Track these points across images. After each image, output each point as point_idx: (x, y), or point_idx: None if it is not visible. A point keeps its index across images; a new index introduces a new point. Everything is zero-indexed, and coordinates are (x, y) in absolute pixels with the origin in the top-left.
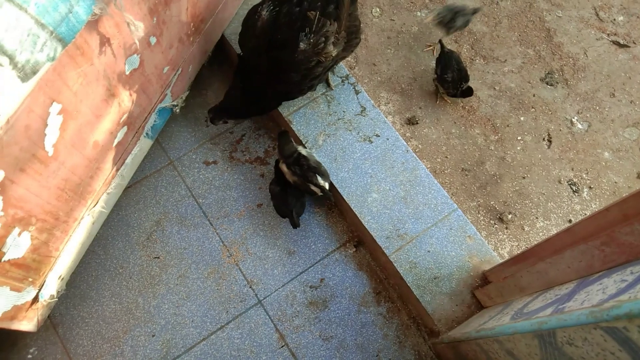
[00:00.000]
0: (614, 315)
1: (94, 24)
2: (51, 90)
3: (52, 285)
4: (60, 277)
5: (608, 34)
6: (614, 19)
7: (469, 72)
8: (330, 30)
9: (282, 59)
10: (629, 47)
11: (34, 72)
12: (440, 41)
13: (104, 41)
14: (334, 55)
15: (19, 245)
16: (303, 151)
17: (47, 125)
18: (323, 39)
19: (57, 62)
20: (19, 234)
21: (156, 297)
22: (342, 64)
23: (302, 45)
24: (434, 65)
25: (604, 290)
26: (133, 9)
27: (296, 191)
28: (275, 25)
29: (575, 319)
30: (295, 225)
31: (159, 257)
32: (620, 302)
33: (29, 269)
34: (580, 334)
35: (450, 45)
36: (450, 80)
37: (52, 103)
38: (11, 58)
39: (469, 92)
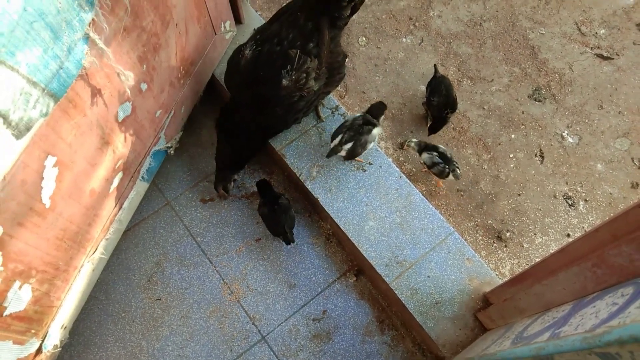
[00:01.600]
0: (606, 341)
1: (84, 76)
2: (45, 144)
3: (55, 335)
4: (63, 326)
5: (591, 48)
6: (596, 33)
7: (458, 101)
8: (311, 67)
9: (265, 94)
10: (612, 59)
11: (28, 129)
12: (434, 65)
13: (96, 92)
14: (315, 89)
15: (20, 298)
16: None
17: (43, 178)
18: (304, 75)
19: (50, 116)
20: (20, 287)
21: (160, 340)
22: (331, 95)
23: (284, 82)
24: (424, 89)
25: (596, 314)
26: (122, 59)
27: (283, 206)
28: (257, 63)
29: (570, 344)
30: (289, 241)
31: (160, 299)
32: (610, 328)
33: (31, 321)
34: (577, 359)
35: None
36: (436, 104)
37: (47, 156)
38: (5, 117)
39: (438, 126)
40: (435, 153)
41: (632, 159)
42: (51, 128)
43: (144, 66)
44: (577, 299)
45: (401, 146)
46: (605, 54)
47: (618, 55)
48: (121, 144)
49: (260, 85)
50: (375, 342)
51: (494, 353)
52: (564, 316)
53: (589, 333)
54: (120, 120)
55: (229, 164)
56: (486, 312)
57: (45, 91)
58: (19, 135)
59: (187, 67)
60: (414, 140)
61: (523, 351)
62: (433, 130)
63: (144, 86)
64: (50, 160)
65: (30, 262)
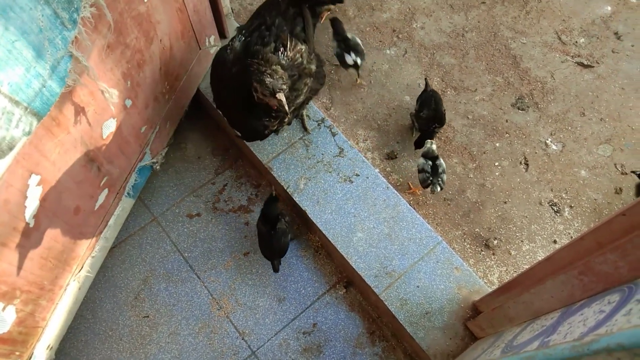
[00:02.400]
0: (594, 349)
1: (68, 94)
2: (29, 163)
3: (40, 356)
4: (49, 346)
5: (572, 56)
6: (576, 42)
7: (446, 117)
8: (303, 49)
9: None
10: (593, 67)
11: (11, 148)
12: (425, 79)
13: (79, 110)
14: (313, 70)
15: (4, 320)
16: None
17: (26, 197)
18: (298, 55)
19: (33, 135)
20: (3, 309)
21: (148, 358)
22: (317, 107)
23: (283, 61)
24: (409, 99)
25: (584, 322)
26: (106, 76)
27: (280, 232)
28: (248, 50)
29: (559, 353)
30: (275, 269)
31: (148, 316)
32: (598, 336)
33: (15, 343)
34: None
35: (420, 79)
36: (425, 117)
37: (30, 175)
38: None
39: (423, 140)
40: (430, 162)
41: (615, 164)
42: (34, 147)
43: (128, 82)
44: (565, 306)
45: (388, 156)
46: (585, 62)
47: (598, 63)
48: (106, 161)
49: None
50: (367, 353)
51: None
52: (552, 324)
53: (577, 341)
54: (104, 137)
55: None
56: (476, 321)
57: (28, 110)
58: (1, 154)
59: (172, 82)
60: (434, 144)
61: None
62: (419, 145)
63: (128, 102)
64: (34, 179)
65: (14, 283)
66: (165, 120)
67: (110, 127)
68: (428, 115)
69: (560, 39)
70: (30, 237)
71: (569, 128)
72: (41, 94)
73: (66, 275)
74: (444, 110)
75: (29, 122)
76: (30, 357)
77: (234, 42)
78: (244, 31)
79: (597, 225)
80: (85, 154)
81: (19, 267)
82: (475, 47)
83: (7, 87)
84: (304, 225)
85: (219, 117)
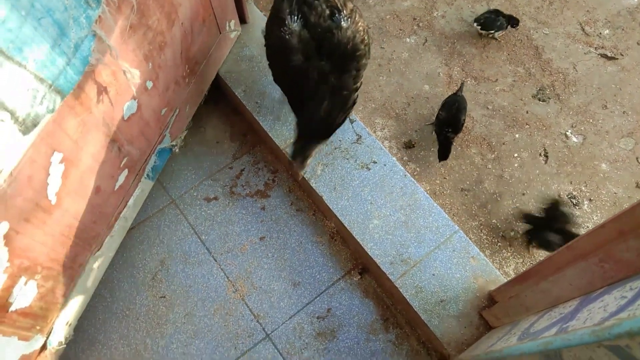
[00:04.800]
0: (616, 334)
1: (91, 73)
2: (52, 141)
3: (60, 331)
4: (67, 323)
5: (595, 48)
6: (600, 33)
7: (465, 122)
8: (353, 5)
9: (338, 48)
10: (616, 59)
11: (35, 125)
12: (462, 83)
13: (102, 90)
14: (366, 27)
15: (25, 294)
16: None
17: (49, 174)
18: (353, 12)
19: (57, 113)
20: (25, 283)
21: (164, 337)
22: None
23: (343, 24)
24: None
25: (605, 307)
26: (128, 57)
27: None
28: (309, 28)
29: (579, 338)
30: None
31: (164, 297)
32: (620, 320)
33: (36, 317)
34: (585, 353)
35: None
36: (441, 119)
37: (53, 153)
38: (12, 113)
39: (444, 149)
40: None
41: (637, 158)
42: (57, 124)
43: (150, 64)
44: (584, 294)
45: (406, 145)
46: (609, 54)
47: (622, 55)
48: (127, 142)
49: (326, 42)
50: (380, 340)
51: (500, 350)
52: (571, 311)
53: (597, 326)
54: (126, 118)
55: (314, 131)
56: (491, 310)
57: (52, 87)
58: (25, 131)
59: (192, 66)
60: None
61: (530, 347)
62: (443, 156)
63: (149, 84)
64: (57, 157)
65: (35, 258)
66: (185, 104)
67: (131, 109)
68: (444, 118)
69: (583, 30)
70: (52, 214)
71: (590, 120)
72: (65, 72)
73: (85, 253)
74: (464, 119)
75: (53, 100)
76: (50, 332)
77: (291, 24)
78: (287, 9)
79: (620, 213)
80: (107, 134)
81: (41, 244)
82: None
83: (33, 64)
84: (319, 211)
85: (237, 102)
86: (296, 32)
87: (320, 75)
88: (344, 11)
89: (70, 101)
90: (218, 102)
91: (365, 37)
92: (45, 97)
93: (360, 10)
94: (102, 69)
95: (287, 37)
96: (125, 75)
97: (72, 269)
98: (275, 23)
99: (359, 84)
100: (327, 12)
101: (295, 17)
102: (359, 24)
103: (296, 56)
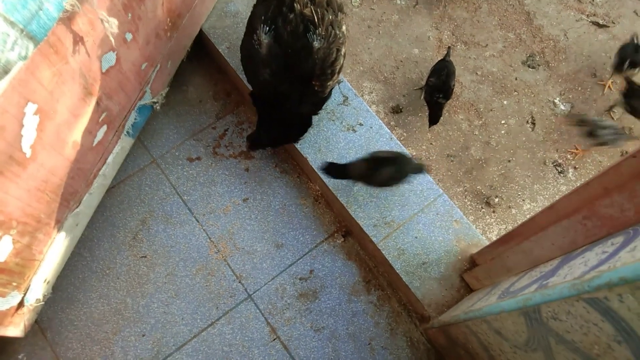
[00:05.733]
0: (595, 285)
1: (66, 21)
2: (25, 90)
3: (37, 289)
4: (45, 280)
5: (587, 15)
6: (592, 0)
7: (454, 88)
8: (331, 18)
9: (306, 70)
10: (608, 27)
11: (6, 72)
12: (449, 48)
13: (78, 39)
14: (346, 34)
15: (0, 249)
16: None
17: (23, 126)
18: (330, 27)
19: (30, 61)
20: (0, 238)
21: (145, 297)
22: None
23: (316, 45)
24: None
25: (585, 263)
26: (106, 5)
27: None
28: (281, 43)
29: (558, 292)
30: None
31: (145, 257)
32: (600, 272)
33: (12, 274)
34: (564, 308)
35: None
36: (431, 85)
37: (27, 103)
38: None
39: (434, 114)
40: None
41: (623, 127)
42: (31, 73)
43: (129, 14)
44: (566, 253)
45: (393, 110)
46: (601, 22)
47: (614, 23)
48: (105, 96)
49: (296, 62)
50: (362, 301)
51: (480, 308)
52: (552, 269)
53: (577, 279)
54: (104, 70)
55: (270, 138)
56: (472, 272)
57: (24, 32)
58: None
59: (174, 19)
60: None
61: (509, 304)
62: (434, 121)
63: (129, 36)
64: (31, 108)
65: (10, 213)
66: (167, 59)
67: (109, 61)
68: (434, 84)
69: None
70: (27, 168)
71: (579, 88)
72: (38, 16)
73: (63, 210)
74: (454, 84)
75: (25, 46)
76: (27, 289)
77: (260, 35)
78: (262, 17)
79: (605, 169)
80: (84, 86)
81: (16, 198)
82: (488, 1)
83: (2, 5)
84: (304, 173)
85: (221, 60)
86: (265, 44)
87: (283, 97)
88: (319, 29)
89: (45, 49)
90: (201, 60)
91: (340, 56)
92: (17, 42)
93: (340, 20)
94: (78, 17)
95: (256, 47)
96: (103, 24)
97: (49, 225)
98: (247, 31)
99: (327, 90)
100: (302, 27)
101: (267, 28)
102: (334, 42)
103: (264, 70)
